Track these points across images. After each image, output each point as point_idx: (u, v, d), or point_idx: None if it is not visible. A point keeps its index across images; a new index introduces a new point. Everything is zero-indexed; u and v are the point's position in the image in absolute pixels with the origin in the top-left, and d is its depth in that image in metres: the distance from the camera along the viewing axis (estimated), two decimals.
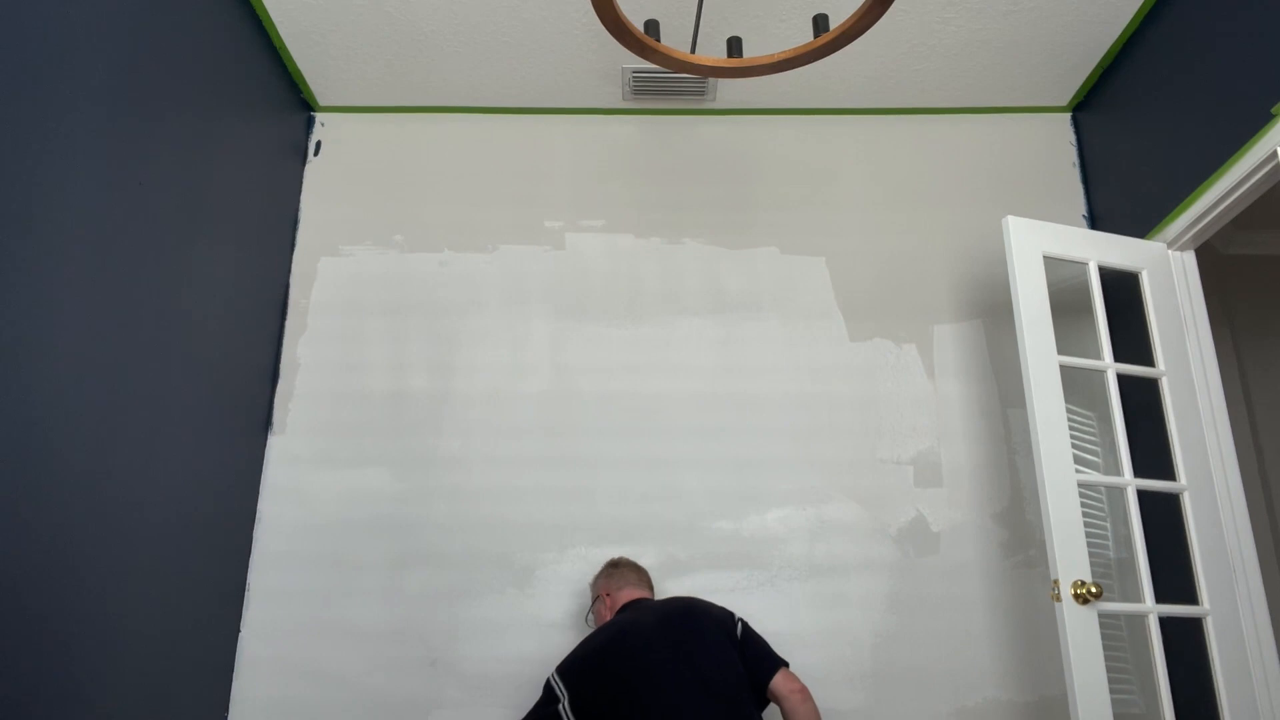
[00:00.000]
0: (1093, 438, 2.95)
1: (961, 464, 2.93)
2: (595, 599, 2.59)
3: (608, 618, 2.49)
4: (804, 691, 2.24)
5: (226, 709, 2.70)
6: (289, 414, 2.99)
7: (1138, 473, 2.58)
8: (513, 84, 3.19)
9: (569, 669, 2.26)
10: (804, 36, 2.92)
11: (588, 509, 2.89)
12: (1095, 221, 3.11)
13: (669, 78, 3.10)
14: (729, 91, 3.24)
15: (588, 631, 2.74)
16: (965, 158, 3.27)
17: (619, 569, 2.60)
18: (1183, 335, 2.61)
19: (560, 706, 2.20)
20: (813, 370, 3.03)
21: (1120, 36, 2.90)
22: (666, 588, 2.81)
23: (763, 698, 2.27)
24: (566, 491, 2.91)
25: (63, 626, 1.94)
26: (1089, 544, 2.80)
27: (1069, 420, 2.83)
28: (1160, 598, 2.55)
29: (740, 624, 2.36)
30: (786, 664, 2.30)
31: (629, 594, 2.51)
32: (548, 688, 2.26)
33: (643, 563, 2.83)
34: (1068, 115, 3.31)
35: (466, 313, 3.10)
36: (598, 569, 2.83)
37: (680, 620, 2.28)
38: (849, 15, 2.69)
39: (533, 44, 2.98)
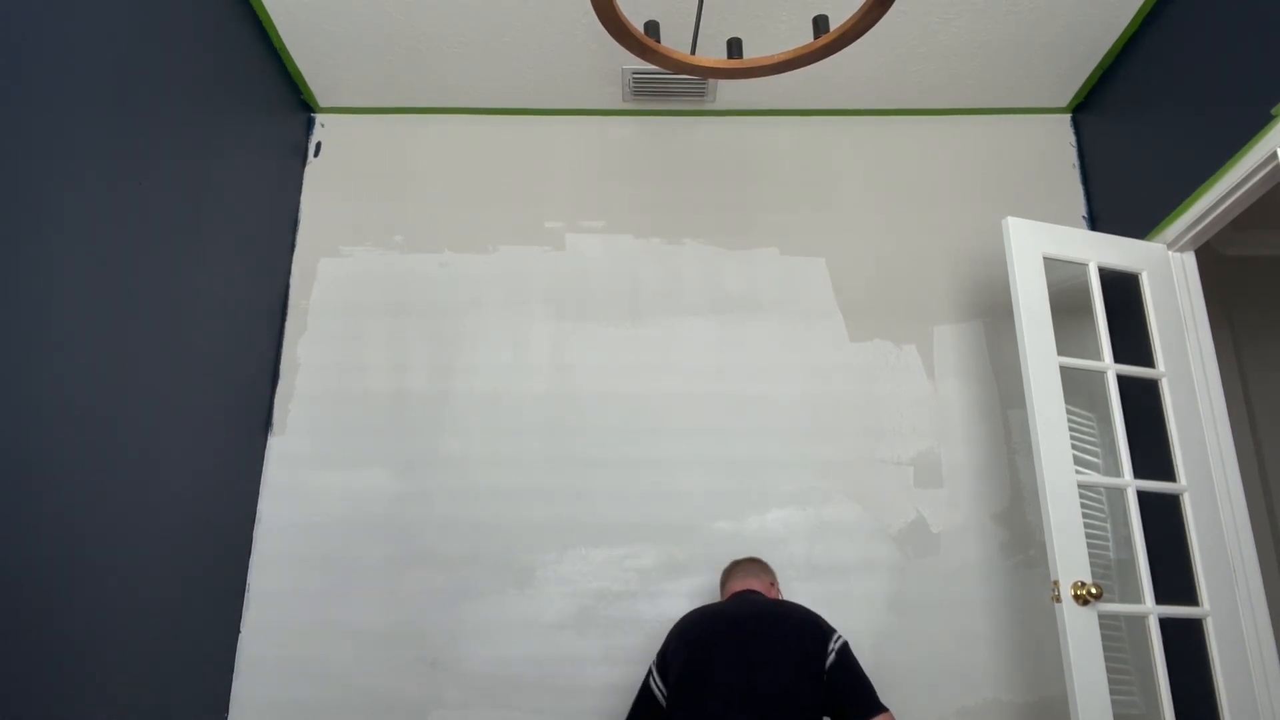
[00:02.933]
0: (1093, 438, 2.95)
1: (961, 464, 2.93)
2: None
3: None
4: None
5: (226, 709, 2.70)
6: (289, 414, 2.99)
7: (1138, 473, 2.58)
8: (513, 84, 3.19)
9: (660, 654, 2.29)
10: (804, 37, 2.92)
11: (588, 509, 2.89)
12: (1095, 222, 3.11)
13: (669, 79, 3.10)
14: (729, 92, 3.24)
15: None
16: (965, 158, 3.27)
17: (729, 571, 2.51)
18: (1183, 336, 2.61)
19: (655, 687, 2.26)
20: (813, 370, 3.03)
21: (1120, 37, 2.90)
22: (666, 588, 2.81)
23: None
24: (566, 491, 2.91)
25: (63, 626, 1.94)
26: (1089, 545, 2.80)
27: (1069, 421, 2.83)
28: (1160, 598, 2.55)
29: (836, 652, 2.14)
30: (887, 710, 2.09)
31: (732, 586, 2.43)
32: (648, 671, 2.34)
33: (642, 562, 2.83)
34: (1068, 116, 3.31)
35: (466, 313, 3.10)
36: (598, 569, 2.83)
37: (755, 624, 2.16)
38: (849, 16, 2.69)
39: (533, 44, 2.98)
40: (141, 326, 2.23)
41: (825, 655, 2.12)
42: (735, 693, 2.05)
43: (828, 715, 2.11)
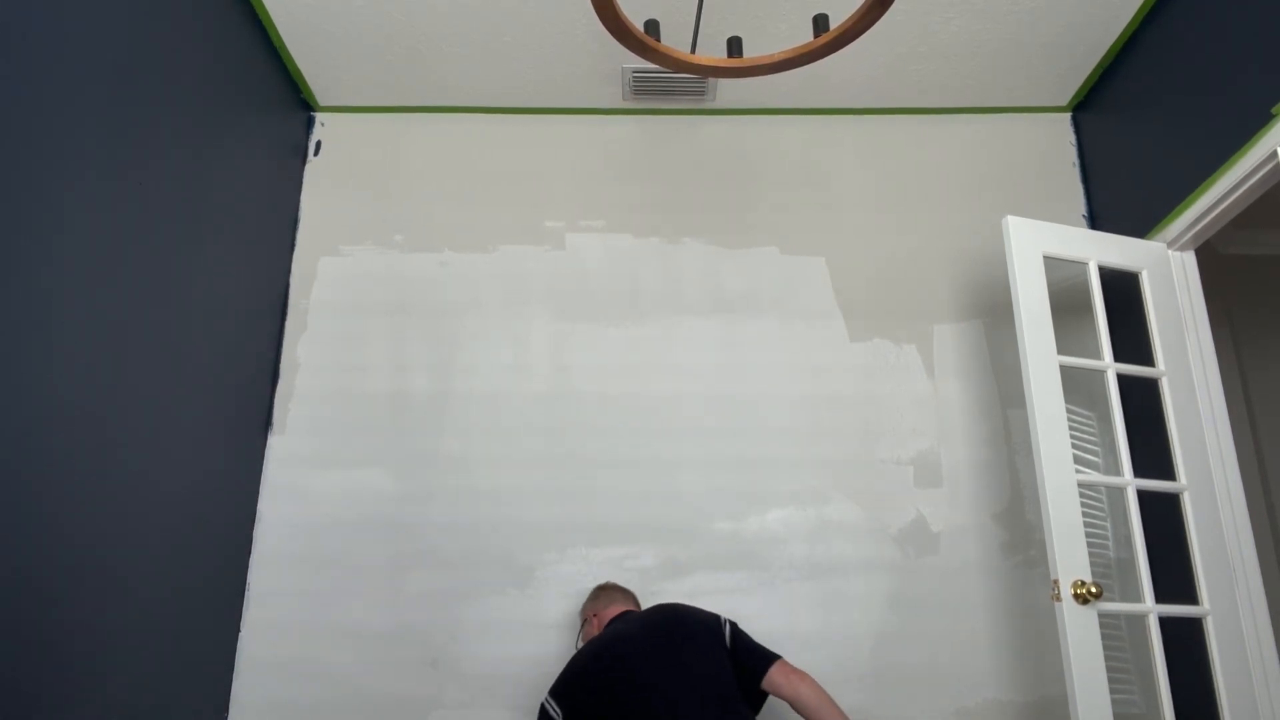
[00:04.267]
0: (1093, 438, 2.95)
1: (961, 464, 2.92)
2: (584, 623, 2.58)
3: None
4: (803, 674, 2.23)
5: (226, 709, 2.70)
6: (289, 414, 2.99)
7: (1138, 473, 2.58)
8: (513, 84, 3.19)
9: (560, 689, 2.22)
10: (804, 36, 2.92)
11: (588, 509, 2.89)
12: (1095, 221, 3.11)
13: (669, 78, 3.10)
14: (729, 91, 3.24)
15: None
16: (965, 158, 3.27)
17: (605, 591, 2.60)
18: (1183, 335, 2.61)
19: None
20: (813, 370, 3.03)
21: (1120, 36, 2.90)
22: (666, 588, 2.81)
23: (758, 696, 2.25)
24: (566, 491, 2.91)
25: (63, 626, 1.94)
26: (1089, 544, 2.80)
27: (1069, 420, 2.83)
28: (1160, 598, 2.55)
29: (729, 625, 2.34)
30: (780, 656, 2.28)
31: (615, 610, 2.50)
32: (542, 711, 2.21)
33: (642, 563, 2.84)
34: (1068, 115, 3.31)
35: (466, 313, 3.10)
36: (598, 569, 2.83)
37: (666, 626, 2.26)
38: (849, 15, 2.69)
39: (533, 44, 2.98)
40: (141, 326, 2.23)
41: (724, 634, 2.30)
42: (679, 692, 2.10)
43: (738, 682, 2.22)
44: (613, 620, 2.43)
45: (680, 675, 2.13)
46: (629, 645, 2.22)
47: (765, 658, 2.27)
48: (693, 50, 1.83)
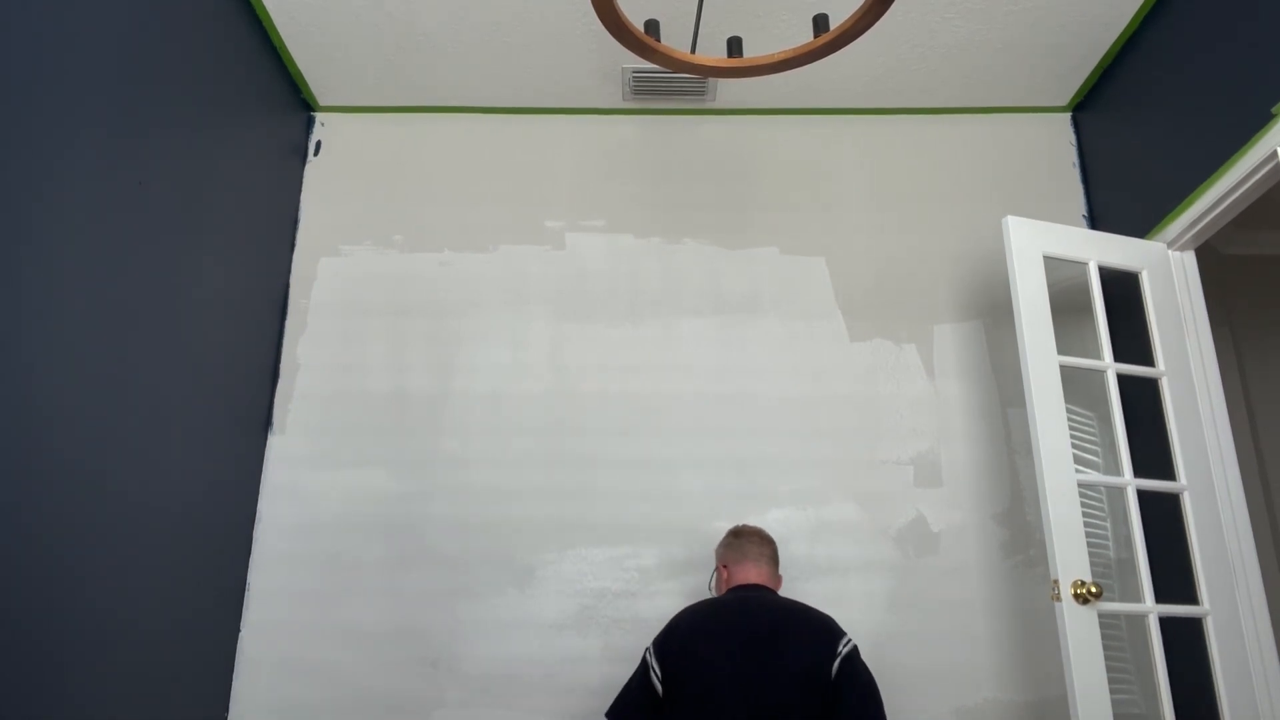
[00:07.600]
0: (1093, 438, 2.95)
1: (961, 464, 2.92)
2: (716, 568, 2.49)
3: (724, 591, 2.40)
4: None
5: (226, 709, 2.70)
6: (289, 414, 2.99)
7: (1138, 473, 2.58)
8: (513, 84, 3.19)
9: (661, 645, 2.22)
10: (804, 36, 2.92)
11: (588, 509, 2.89)
12: (1095, 221, 3.11)
13: (669, 78, 3.10)
14: (729, 91, 3.24)
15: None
16: (965, 158, 3.27)
17: (740, 539, 2.42)
18: (1183, 335, 2.60)
19: (654, 676, 2.19)
20: (813, 370, 3.03)
21: (1120, 36, 2.90)
22: (667, 588, 2.81)
23: None
24: (566, 491, 2.91)
25: (63, 626, 1.94)
26: (1089, 544, 2.80)
27: (1069, 420, 2.83)
28: (1160, 598, 2.55)
29: (845, 653, 2.11)
30: None
31: (744, 573, 2.35)
32: (644, 660, 2.25)
33: (642, 562, 2.83)
34: (1068, 115, 3.31)
35: (466, 313, 3.10)
36: (598, 569, 2.83)
37: (765, 634, 2.12)
38: (849, 15, 2.69)
39: (533, 44, 2.98)
40: (142, 326, 2.23)
41: (832, 662, 2.09)
42: (738, 706, 2.04)
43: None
44: (737, 589, 2.30)
45: (744, 707, 2.05)
46: (717, 649, 2.11)
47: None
48: (693, 50, 1.83)
